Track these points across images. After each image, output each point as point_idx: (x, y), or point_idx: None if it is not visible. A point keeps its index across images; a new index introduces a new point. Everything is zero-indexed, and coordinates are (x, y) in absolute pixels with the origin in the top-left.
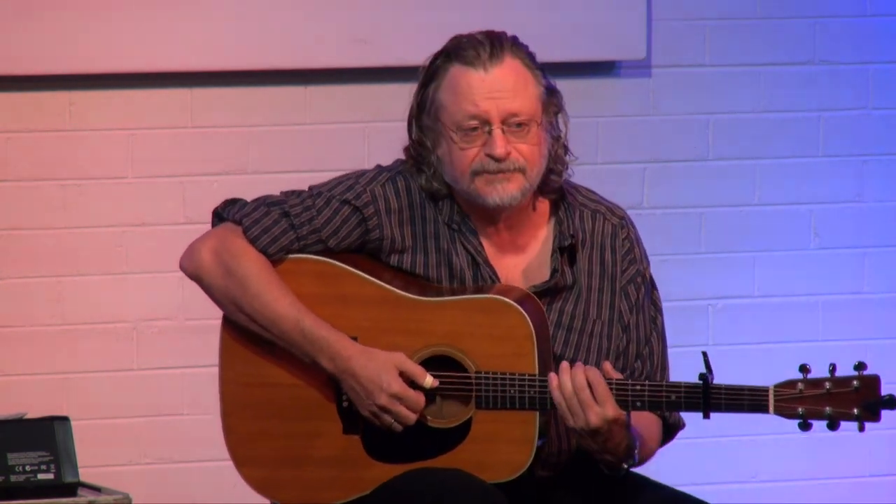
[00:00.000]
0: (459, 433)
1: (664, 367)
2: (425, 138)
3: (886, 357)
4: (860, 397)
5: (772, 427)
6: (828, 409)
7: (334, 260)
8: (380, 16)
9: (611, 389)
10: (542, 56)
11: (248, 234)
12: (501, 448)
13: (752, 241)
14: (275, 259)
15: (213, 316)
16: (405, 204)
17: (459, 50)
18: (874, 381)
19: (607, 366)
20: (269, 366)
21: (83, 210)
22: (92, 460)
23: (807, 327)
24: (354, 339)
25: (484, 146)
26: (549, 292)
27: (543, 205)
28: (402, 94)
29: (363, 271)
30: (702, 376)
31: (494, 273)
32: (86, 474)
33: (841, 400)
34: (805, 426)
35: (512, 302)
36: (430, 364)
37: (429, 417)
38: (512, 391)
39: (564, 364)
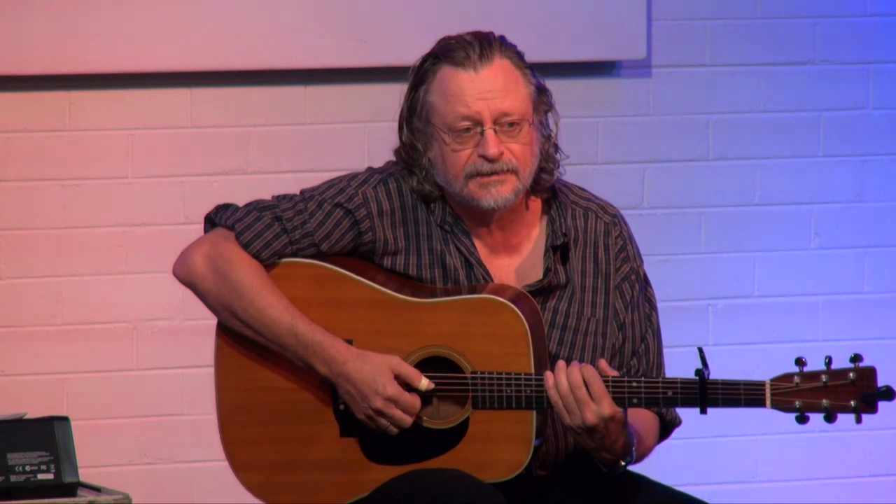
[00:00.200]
0: (457, 434)
1: (660, 364)
2: (416, 141)
3: (886, 357)
4: (857, 389)
5: (771, 427)
6: (825, 401)
7: (327, 263)
8: (380, 16)
9: (607, 386)
10: (543, 56)
11: (240, 240)
12: (499, 448)
13: (752, 241)
14: (268, 263)
15: (212, 316)
16: (397, 206)
17: (448, 51)
18: (870, 372)
19: (603, 363)
20: (265, 370)
21: (83, 210)
22: (92, 460)
23: (807, 327)
24: (349, 341)
25: (476, 147)
26: (542, 291)
27: (535, 204)
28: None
29: (356, 274)
30: (698, 372)
31: (488, 273)
32: (86, 474)
33: (838, 392)
34: (802, 419)
35: (506, 301)
36: (425, 365)
37: (426, 418)
38: (508, 391)
39: (560, 363)
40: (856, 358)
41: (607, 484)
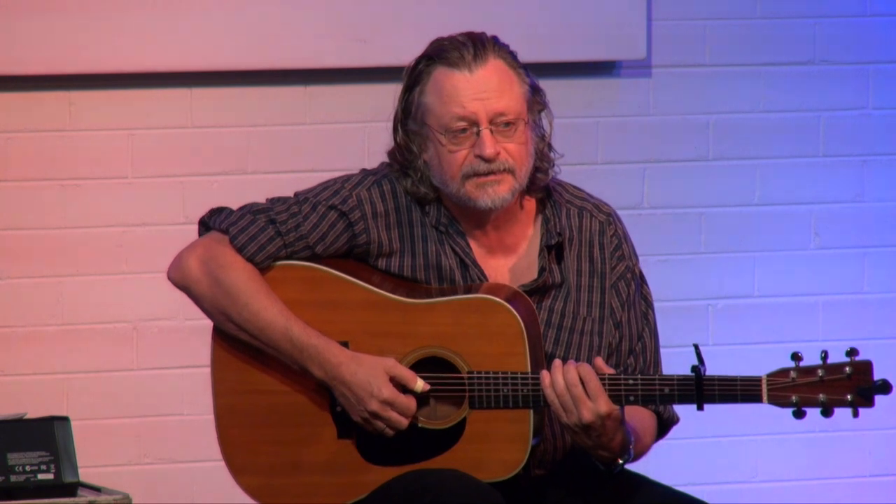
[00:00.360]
0: (454, 434)
1: (657, 362)
2: (411, 143)
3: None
4: (853, 383)
5: (772, 427)
6: (821, 396)
7: (322, 265)
8: (380, 16)
9: (603, 384)
10: (543, 56)
11: (234, 243)
12: (496, 447)
13: (752, 241)
14: (262, 266)
15: None
16: (391, 207)
17: (442, 52)
18: (866, 366)
19: (599, 361)
20: (262, 373)
21: (83, 210)
22: (92, 460)
23: (807, 327)
24: (345, 343)
25: (473, 147)
26: (537, 291)
27: (530, 203)
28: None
29: (351, 276)
30: (694, 368)
31: (483, 273)
32: (86, 474)
33: (834, 387)
34: (799, 414)
35: (501, 301)
36: (421, 366)
37: (423, 419)
38: (505, 390)
39: (557, 361)
40: (852, 352)
41: (606, 483)
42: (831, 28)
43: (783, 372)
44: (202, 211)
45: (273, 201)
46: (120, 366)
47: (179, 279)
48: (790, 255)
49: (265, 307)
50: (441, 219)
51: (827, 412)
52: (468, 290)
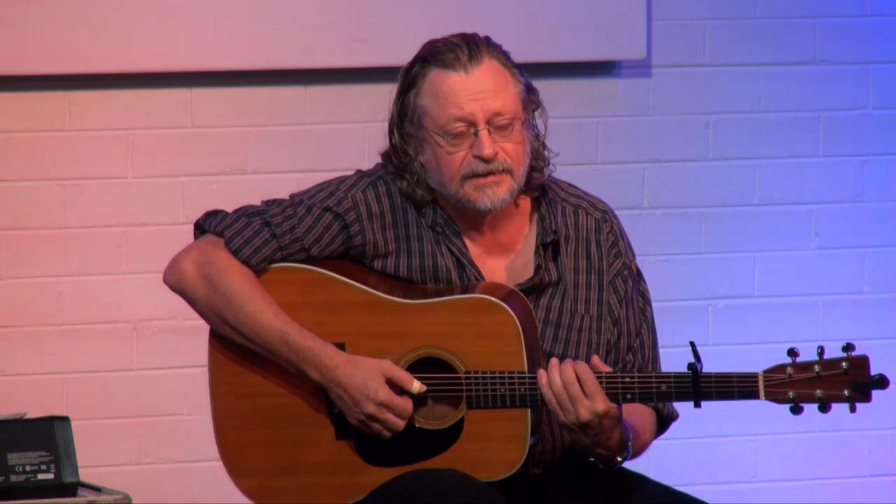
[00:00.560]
0: (452, 434)
1: (655, 358)
2: (407, 146)
3: (886, 357)
4: (850, 378)
5: (771, 427)
6: (818, 391)
7: (318, 267)
8: (380, 16)
9: (600, 383)
10: (543, 56)
11: (230, 246)
12: (495, 447)
13: (752, 241)
14: (258, 269)
15: None
16: (387, 208)
17: (437, 54)
18: (863, 361)
19: (596, 359)
20: (259, 376)
21: (83, 210)
22: (92, 460)
23: (807, 327)
24: (341, 345)
25: (471, 148)
26: (534, 289)
27: (525, 202)
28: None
29: (347, 277)
30: (690, 365)
31: (480, 273)
32: (86, 474)
33: (831, 382)
34: (796, 410)
35: (498, 300)
36: (419, 366)
37: (421, 419)
38: (502, 389)
39: (554, 360)
40: (848, 347)
41: (605, 483)
42: (831, 28)
43: (780, 368)
44: (202, 211)
45: (268, 203)
46: (120, 366)
47: (175, 283)
48: (790, 254)
49: (261, 310)
50: (437, 219)
51: (824, 408)
52: (464, 290)
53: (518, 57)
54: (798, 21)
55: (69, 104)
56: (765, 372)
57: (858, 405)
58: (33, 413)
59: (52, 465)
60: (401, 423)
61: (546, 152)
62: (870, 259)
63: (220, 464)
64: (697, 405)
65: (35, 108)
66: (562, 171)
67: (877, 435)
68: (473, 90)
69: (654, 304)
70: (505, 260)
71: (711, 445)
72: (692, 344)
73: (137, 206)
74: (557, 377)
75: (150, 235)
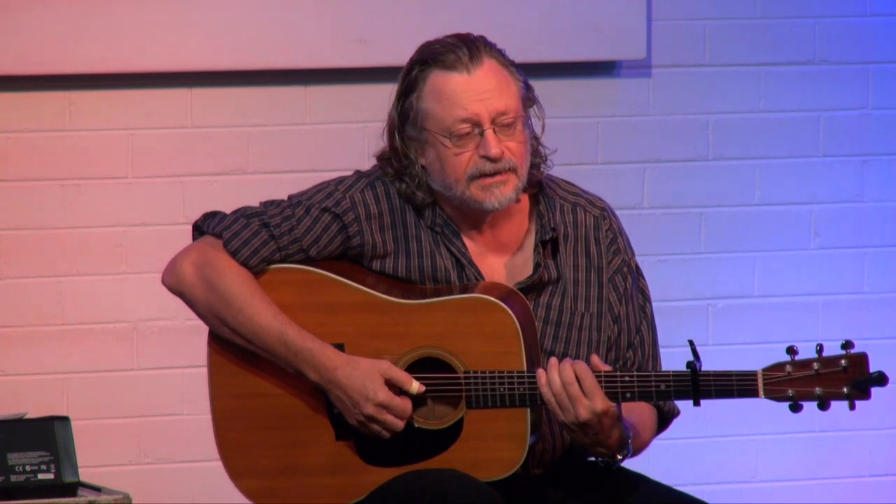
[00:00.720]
0: (452, 434)
1: (655, 355)
2: (408, 149)
3: (886, 357)
4: (849, 376)
5: (771, 427)
6: (817, 389)
7: (316, 268)
8: (380, 16)
9: (599, 382)
10: (543, 56)
11: (228, 247)
12: (494, 446)
13: (752, 241)
14: (256, 270)
15: None
16: (385, 209)
17: (436, 56)
18: (862, 358)
19: (595, 358)
20: (259, 377)
21: (83, 210)
22: (92, 460)
23: (807, 327)
24: (340, 346)
25: (477, 149)
26: (534, 288)
27: (524, 200)
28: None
29: (346, 278)
30: (689, 364)
31: (479, 273)
32: (86, 474)
33: (830, 380)
34: (795, 408)
35: (496, 300)
36: (418, 366)
37: (420, 419)
38: (501, 389)
39: (553, 360)
40: (847, 345)
41: (605, 483)
42: (831, 28)
43: (779, 366)
44: (202, 211)
45: (266, 204)
46: (120, 366)
47: (174, 284)
48: (790, 254)
49: (259, 311)
50: (436, 220)
51: (823, 405)
52: (463, 290)
53: (518, 57)
54: (798, 21)
55: (69, 104)
56: (764, 370)
57: (858, 403)
58: (33, 413)
59: (52, 465)
60: (400, 424)
61: (542, 149)
62: (870, 259)
63: (220, 464)
64: (697, 404)
65: (35, 108)
66: (562, 170)
67: (877, 435)
68: (477, 90)
69: (653, 304)
70: (504, 258)
71: (711, 445)
72: (691, 342)
73: (137, 207)
74: (556, 377)
75: (150, 235)
